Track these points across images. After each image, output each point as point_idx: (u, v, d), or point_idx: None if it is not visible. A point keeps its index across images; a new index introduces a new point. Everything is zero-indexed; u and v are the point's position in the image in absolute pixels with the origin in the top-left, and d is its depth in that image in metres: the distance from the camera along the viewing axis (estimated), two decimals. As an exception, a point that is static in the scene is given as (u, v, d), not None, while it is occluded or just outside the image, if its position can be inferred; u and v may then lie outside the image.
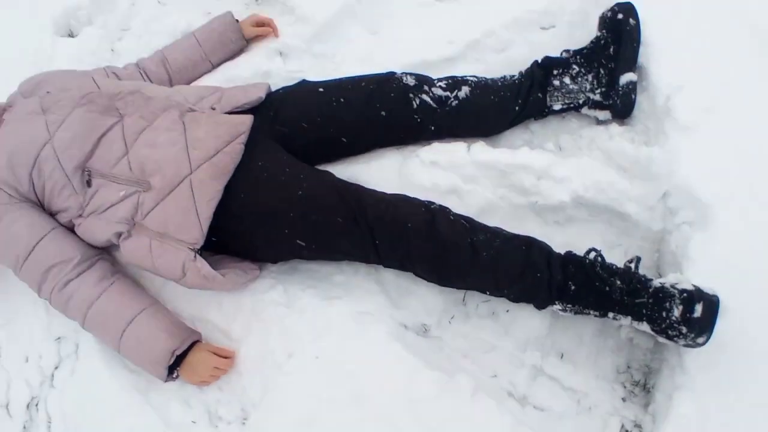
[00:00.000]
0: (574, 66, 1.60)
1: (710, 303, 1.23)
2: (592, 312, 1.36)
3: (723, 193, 1.40)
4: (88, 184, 1.44)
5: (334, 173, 1.53)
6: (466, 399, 1.33)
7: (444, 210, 1.43)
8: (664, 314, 1.26)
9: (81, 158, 1.42)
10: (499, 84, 1.60)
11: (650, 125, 1.58)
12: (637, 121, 1.61)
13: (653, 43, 1.59)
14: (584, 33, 1.71)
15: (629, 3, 1.58)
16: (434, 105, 1.55)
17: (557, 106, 1.61)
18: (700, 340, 1.24)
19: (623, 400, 1.42)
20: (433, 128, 1.58)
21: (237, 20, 1.88)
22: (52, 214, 1.49)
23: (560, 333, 1.49)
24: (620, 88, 1.57)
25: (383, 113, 1.55)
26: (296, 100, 1.58)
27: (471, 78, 1.60)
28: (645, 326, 1.31)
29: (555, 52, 1.66)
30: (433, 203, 1.44)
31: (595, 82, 1.59)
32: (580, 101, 1.60)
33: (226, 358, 1.46)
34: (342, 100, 1.54)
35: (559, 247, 1.42)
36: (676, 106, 1.49)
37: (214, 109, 1.51)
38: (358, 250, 1.43)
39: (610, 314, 1.34)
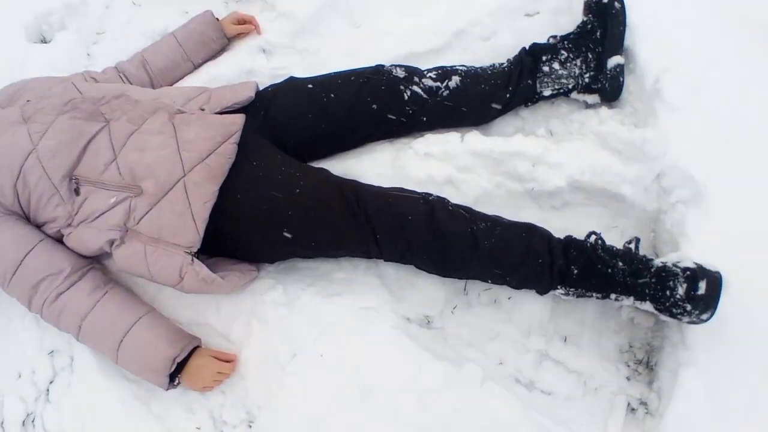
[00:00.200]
0: (563, 51, 1.60)
1: (713, 279, 1.25)
2: (594, 294, 1.36)
3: (715, 170, 1.43)
4: (77, 192, 1.40)
5: (328, 169, 1.51)
6: (474, 388, 1.34)
7: (442, 201, 1.42)
8: (668, 293, 1.28)
9: (68, 166, 1.38)
10: (489, 72, 1.60)
11: (639, 107, 1.60)
12: (626, 103, 1.63)
13: (639, 25, 1.60)
14: (569, 18, 1.72)
15: (613, -14, 1.59)
16: (425, 96, 1.55)
17: (547, 92, 1.61)
18: (705, 316, 1.26)
19: (628, 379, 1.43)
20: (425, 119, 1.58)
21: (217, 19, 1.85)
22: (39, 226, 1.45)
23: (562, 317, 1.49)
24: (608, 72, 1.58)
25: (374, 107, 1.53)
26: (286, 98, 1.55)
27: (460, 67, 1.60)
28: (648, 305, 1.32)
29: (540, 39, 1.67)
30: (431, 194, 1.43)
31: (583, 67, 1.60)
32: (570, 86, 1.61)
33: (227, 361, 1.43)
34: (332, 95, 1.52)
35: (557, 231, 1.43)
36: (664, 87, 1.51)
37: (203, 110, 1.48)
38: (359, 246, 1.41)
39: (613, 296, 1.35)
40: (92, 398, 1.44)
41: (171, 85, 1.80)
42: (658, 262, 1.32)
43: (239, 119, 1.45)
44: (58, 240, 1.45)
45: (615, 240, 1.45)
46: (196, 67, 1.84)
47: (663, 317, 1.33)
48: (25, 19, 2.00)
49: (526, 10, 1.78)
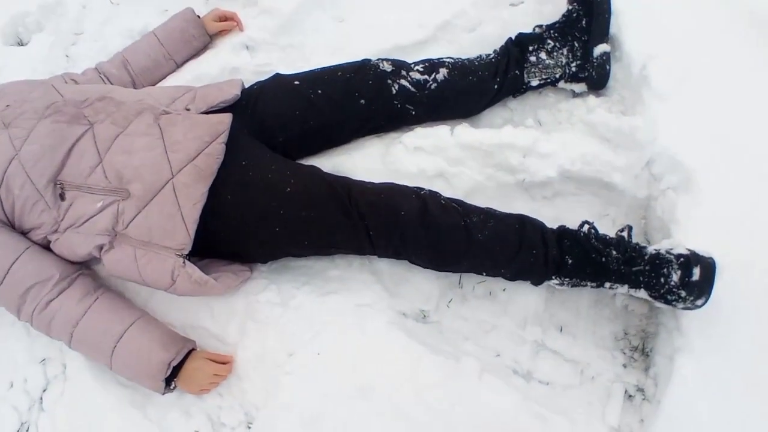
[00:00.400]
0: (549, 41, 1.60)
1: (707, 265, 1.26)
2: (589, 283, 1.37)
3: (704, 156, 1.43)
4: (62, 197, 1.37)
5: (318, 166, 1.50)
6: (473, 381, 1.34)
7: (435, 195, 1.41)
8: (662, 280, 1.28)
9: (52, 171, 1.35)
10: (476, 64, 1.59)
11: (626, 94, 1.61)
12: (613, 91, 1.63)
13: (624, 12, 1.60)
14: (553, 7, 1.71)
15: (598, -26, 1.59)
16: (413, 90, 1.54)
17: (535, 82, 1.61)
18: (699, 302, 1.27)
19: (624, 366, 1.44)
20: (413, 113, 1.57)
21: (198, 16, 1.82)
22: (25, 233, 1.42)
23: (557, 306, 1.50)
24: (594, 60, 1.58)
25: (362, 102, 1.52)
26: (273, 95, 1.53)
27: (447, 60, 1.59)
28: (642, 293, 1.33)
29: (525, 28, 1.66)
30: (423, 189, 1.43)
31: (570, 56, 1.60)
32: (557, 75, 1.61)
33: (223, 363, 1.42)
34: (319, 91, 1.51)
35: (550, 222, 1.43)
36: (652, 74, 1.51)
37: (188, 109, 1.45)
38: (352, 243, 1.40)
39: (607, 284, 1.36)
40: (86, 405, 1.43)
41: (153, 84, 1.77)
42: (651, 249, 1.33)
43: (227, 118, 1.43)
44: (45, 247, 1.43)
45: (606, 228, 1.46)
46: (179, 65, 1.81)
47: (658, 304, 1.34)
48: (0, 22, 1.96)
49: (511, 0, 1.77)
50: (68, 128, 1.39)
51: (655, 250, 1.32)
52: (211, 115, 1.44)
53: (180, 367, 1.38)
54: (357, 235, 1.39)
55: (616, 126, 1.46)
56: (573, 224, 1.41)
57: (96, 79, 1.69)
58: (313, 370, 1.37)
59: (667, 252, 1.30)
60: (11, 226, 1.42)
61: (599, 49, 1.58)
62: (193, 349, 1.42)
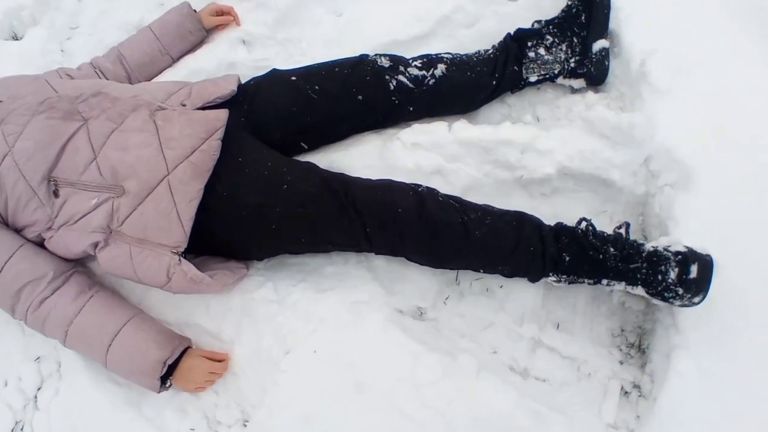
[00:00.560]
0: (548, 36, 1.59)
1: (705, 262, 1.26)
2: (586, 281, 1.37)
3: (703, 152, 1.43)
4: (55, 194, 1.36)
5: (315, 163, 1.49)
6: (470, 379, 1.34)
7: (432, 191, 1.41)
8: (659, 277, 1.28)
9: (45, 168, 1.34)
10: (475, 59, 1.58)
11: (625, 90, 1.60)
12: (612, 87, 1.62)
13: (623, 7, 1.59)
14: (552, 2, 1.69)
15: (597, -31, 1.58)
16: (411, 85, 1.52)
17: (533, 78, 1.60)
18: (697, 299, 1.27)
19: (621, 363, 1.44)
20: (411, 109, 1.56)
21: (195, 10, 1.80)
22: (18, 230, 1.41)
23: (554, 303, 1.50)
24: (593, 56, 1.57)
25: (360, 98, 1.51)
26: (270, 91, 1.52)
27: (446, 55, 1.58)
28: (639, 290, 1.33)
29: (524, 23, 1.65)
30: (420, 185, 1.42)
31: (569, 51, 1.59)
32: (556, 71, 1.60)
33: (219, 361, 1.42)
34: (317, 87, 1.50)
35: (547, 219, 1.42)
36: (651, 70, 1.50)
37: (184, 105, 1.44)
38: (349, 240, 1.40)
39: (604, 281, 1.36)
40: (82, 404, 1.42)
41: (149, 79, 1.76)
42: (649, 246, 1.33)
43: (223, 114, 1.42)
44: (39, 244, 1.42)
45: (604, 225, 1.46)
46: (175, 60, 1.79)
47: (655, 301, 1.34)
48: (-6, 16, 1.94)
49: (510, -5, 1.76)
50: (62, 124, 1.37)
51: (653, 247, 1.32)
52: (207, 111, 1.43)
53: (175, 365, 1.38)
54: (354, 232, 1.38)
55: (614, 123, 1.45)
56: (571, 221, 1.40)
57: (91, 74, 1.67)
58: (309, 368, 1.36)
59: (665, 249, 1.30)
60: (5, 223, 1.41)
61: (598, 44, 1.57)
62: (188, 347, 1.42)
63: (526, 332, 1.46)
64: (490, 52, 1.61)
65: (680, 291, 1.27)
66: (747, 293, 1.33)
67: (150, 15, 1.84)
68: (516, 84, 1.62)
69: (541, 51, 1.58)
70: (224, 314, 1.46)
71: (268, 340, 1.41)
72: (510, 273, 1.41)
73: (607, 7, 1.57)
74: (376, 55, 1.57)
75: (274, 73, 1.58)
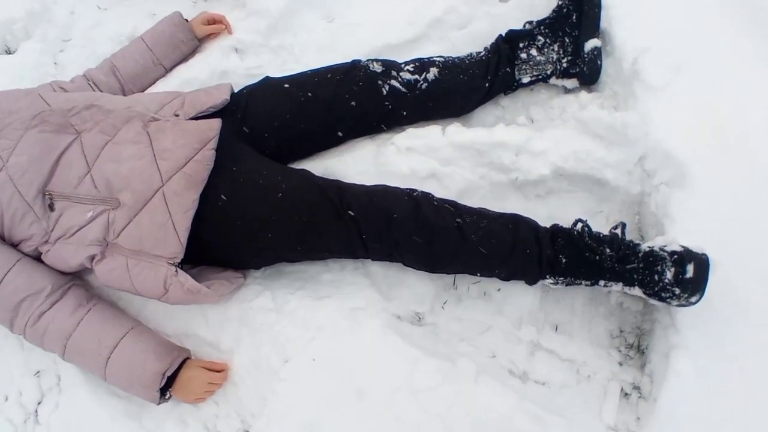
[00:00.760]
0: (539, 37, 1.58)
1: (701, 262, 1.25)
2: (583, 282, 1.36)
3: (697, 150, 1.42)
4: (51, 208, 1.36)
5: (309, 170, 1.49)
6: (469, 383, 1.33)
7: (427, 196, 1.40)
8: (656, 277, 1.28)
9: (40, 182, 1.35)
10: (467, 62, 1.58)
11: (618, 89, 1.59)
12: (605, 86, 1.62)
13: (614, 6, 1.59)
14: (544, 3, 1.69)
15: (587, -32, 1.57)
16: (404, 90, 1.52)
17: (526, 79, 1.59)
18: (694, 299, 1.26)
19: (620, 364, 1.43)
20: (405, 113, 1.55)
21: (186, 20, 1.80)
22: (15, 245, 1.41)
23: (552, 305, 1.49)
24: (586, 55, 1.57)
25: (353, 103, 1.51)
26: (263, 99, 1.52)
27: (438, 59, 1.58)
28: (637, 290, 1.33)
29: (516, 24, 1.65)
30: (415, 190, 1.42)
31: (561, 52, 1.58)
32: (548, 72, 1.59)
33: (218, 371, 1.42)
34: (309, 94, 1.50)
35: (543, 220, 1.42)
36: (643, 68, 1.50)
37: (177, 115, 1.44)
38: (345, 246, 1.40)
39: (601, 282, 1.35)
40: (82, 417, 1.43)
41: (142, 90, 1.76)
42: (645, 246, 1.32)
43: (216, 124, 1.42)
44: (37, 258, 1.42)
45: (600, 225, 1.46)
46: (168, 70, 1.79)
47: (652, 301, 1.33)
48: (-14, 30, 1.94)
49: (501, -4, 1.76)
50: (55, 137, 1.38)
51: (649, 247, 1.32)
52: (200, 121, 1.43)
53: (175, 377, 1.38)
54: (350, 239, 1.38)
55: (608, 122, 1.45)
56: (567, 222, 1.40)
57: (84, 86, 1.67)
58: (308, 376, 1.36)
59: (661, 249, 1.30)
60: (1, 238, 1.41)
61: (590, 44, 1.56)
62: (187, 358, 1.42)
63: (524, 335, 1.46)
64: (482, 54, 1.61)
65: (677, 291, 1.26)
66: (744, 291, 1.32)
67: (142, 25, 1.84)
68: (509, 85, 1.61)
69: (533, 52, 1.58)
70: (222, 324, 1.46)
71: (266, 349, 1.41)
72: (507, 276, 1.41)
73: (598, 6, 1.57)
74: (368, 60, 1.57)
75: (267, 80, 1.58)
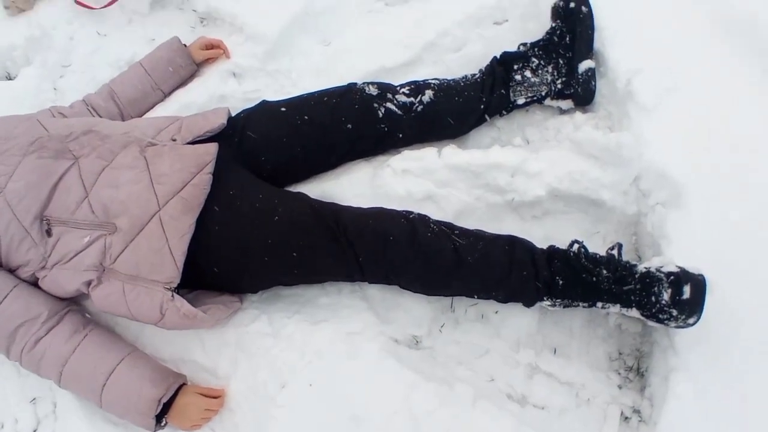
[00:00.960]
0: (533, 59, 1.60)
1: (698, 283, 1.25)
2: (581, 304, 1.36)
3: (692, 170, 1.43)
4: (48, 233, 1.36)
5: (306, 193, 1.50)
6: (467, 407, 1.32)
7: (423, 218, 1.41)
8: (653, 299, 1.27)
9: (37, 208, 1.35)
10: (462, 84, 1.59)
11: (612, 110, 1.60)
12: (599, 106, 1.63)
13: (607, 27, 1.60)
14: (537, 25, 1.71)
15: (580, -10, 1.59)
16: (399, 112, 1.53)
17: (521, 101, 1.60)
18: (691, 320, 1.25)
19: (619, 387, 1.42)
20: (400, 136, 1.56)
21: (185, 45, 1.82)
22: (12, 270, 1.41)
23: (550, 327, 1.49)
24: (580, 76, 1.58)
25: (349, 126, 1.52)
26: (260, 123, 1.53)
27: (433, 81, 1.59)
28: (634, 312, 1.32)
29: (511, 46, 1.66)
30: (412, 212, 1.42)
31: (555, 73, 1.59)
32: (543, 93, 1.60)
33: (215, 397, 1.41)
34: (306, 117, 1.51)
35: (540, 241, 1.42)
36: (637, 89, 1.51)
37: (175, 140, 1.45)
38: (342, 269, 1.40)
39: (599, 304, 1.34)
40: (78, 445, 1.41)
41: (141, 115, 1.77)
42: (641, 267, 1.32)
43: (212, 148, 1.43)
44: (34, 283, 1.42)
45: (597, 246, 1.46)
46: (166, 95, 1.81)
47: (650, 323, 1.32)
48: (-13, 57, 1.96)
49: (495, 19, 1.77)
50: (53, 163, 1.39)
51: (646, 268, 1.31)
52: (197, 146, 1.44)
53: (171, 403, 1.37)
54: (347, 262, 1.38)
55: (602, 143, 1.45)
56: (563, 243, 1.39)
57: (84, 111, 1.68)
58: (305, 402, 1.35)
59: (657, 270, 1.29)
60: (-1, 264, 1.41)
61: (584, 65, 1.57)
62: (183, 384, 1.41)
63: (522, 358, 1.45)
64: (477, 76, 1.62)
65: (674, 312, 1.26)
66: (742, 312, 1.31)
67: (142, 51, 1.86)
68: (504, 107, 1.62)
69: (528, 73, 1.59)
70: (219, 349, 1.45)
71: (263, 374, 1.40)
72: (504, 298, 1.40)
73: (591, 28, 1.59)
74: (364, 83, 1.58)
75: (264, 104, 1.59)
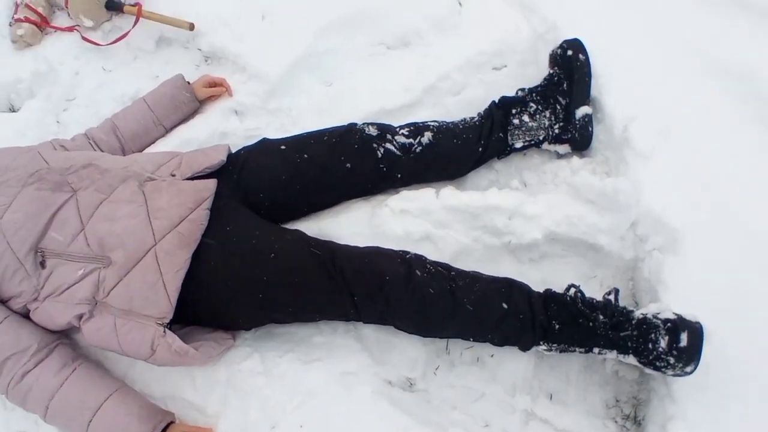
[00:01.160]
0: (531, 104, 1.62)
1: (695, 330, 1.24)
2: (577, 349, 1.34)
3: (689, 216, 1.44)
4: (42, 265, 1.36)
5: (304, 230, 1.50)
6: (461, 453, 1.29)
7: (420, 258, 1.40)
8: (650, 346, 1.26)
9: (33, 239, 1.35)
10: (461, 127, 1.61)
11: (609, 155, 1.62)
12: (596, 152, 1.65)
13: (604, 74, 1.63)
14: (535, 71, 1.75)
15: (577, 39, 1.63)
16: (399, 153, 1.55)
17: (519, 144, 1.62)
18: (689, 369, 1.24)
19: (617, 435, 1.40)
20: (399, 176, 1.57)
21: (188, 82, 1.85)
22: (4, 302, 1.40)
23: (547, 372, 1.47)
24: (577, 122, 1.60)
25: (348, 165, 1.53)
26: (259, 160, 1.54)
27: (432, 123, 1.61)
28: (631, 359, 1.31)
29: (509, 91, 1.69)
30: (409, 252, 1.42)
31: (552, 118, 1.62)
32: (540, 137, 1.62)
33: (203, 436, 1.38)
34: (305, 155, 1.52)
35: (537, 284, 1.41)
36: (633, 135, 1.53)
37: (174, 175, 1.45)
38: (337, 308, 1.38)
39: (596, 349, 1.33)
40: (61, 483, 1.37)
41: (142, 150, 1.78)
42: (638, 313, 1.31)
43: (211, 184, 1.44)
44: (25, 315, 1.40)
45: (594, 290, 1.45)
46: (168, 131, 1.83)
47: (648, 370, 1.31)
48: (-9, 89, 1.99)
49: (494, 64, 1.81)
50: (51, 195, 1.39)
51: (642, 314, 1.30)
52: (196, 181, 1.44)
53: (158, 442, 1.33)
54: (342, 301, 1.37)
55: (599, 188, 1.46)
56: (561, 286, 1.39)
57: (85, 144, 1.70)
58: (296, 443, 1.32)
59: (654, 316, 1.28)
60: (-10, 295, 1.40)
61: (581, 111, 1.60)
62: (171, 422, 1.38)
63: (518, 404, 1.42)
64: (475, 119, 1.64)
65: (671, 360, 1.24)
66: (741, 360, 1.30)
67: (146, 87, 1.88)
68: (502, 150, 1.64)
69: (526, 118, 1.61)
70: (210, 387, 1.43)
71: (254, 413, 1.37)
72: (500, 341, 1.39)
73: (588, 75, 1.62)
74: (364, 123, 1.60)
75: (264, 142, 1.61)
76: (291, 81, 1.87)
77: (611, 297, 1.34)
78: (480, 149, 1.60)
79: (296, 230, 1.49)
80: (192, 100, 1.84)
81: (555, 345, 1.34)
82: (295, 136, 1.61)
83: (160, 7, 1.99)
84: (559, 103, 1.62)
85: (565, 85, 1.62)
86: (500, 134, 1.61)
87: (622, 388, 1.44)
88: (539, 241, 1.49)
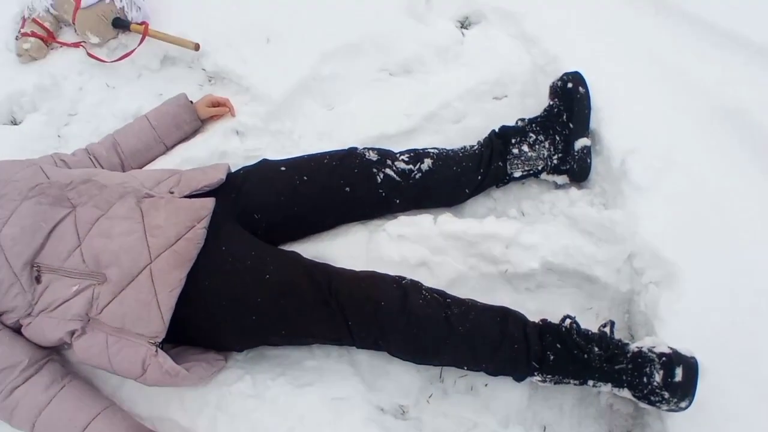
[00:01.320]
0: (531, 134, 1.64)
1: (690, 365, 1.23)
2: (572, 381, 1.33)
3: (686, 250, 1.44)
4: (37, 280, 1.35)
5: (300, 252, 1.49)
6: (452, 485, 1.27)
7: (416, 285, 1.40)
8: (645, 380, 1.25)
9: (30, 254, 1.34)
10: (460, 155, 1.62)
11: (607, 187, 1.63)
12: (594, 183, 1.66)
13: (603, 107, 1.65)
14: (536, 102, 1.77)
15: (578, 72, 1.65)
16: (398, 179, 1.55)
17: (517, 173, 1.63)
18: (683, 404, 1.23)
19: (611, 471, 1.38)
20: (398, 201, 1.58)
21: (191, 101, 1.86)
22: (-3, 316, 1.39)
23: (541, 404, 1.45)
24: (576, 153, 1.61)
25: (347, 189, 1.53)
26: (258, 180, 1.55)
27: (432, 150, 1.62)
28: (626, 392, 1.30)
29: (509, 120, 1.71)
30: (405, 278, 1.41)
31: (551, 149, 1.63)
32: (539, 167, 1.63)
33: (191, 459, 1.36)
34: (305, 178, 1.52)
35: (532, 314, 1.41)
36: (631, 168, 1.54)
37: (172, 193, 1.45)
38: (331, 333, 1.37)
39: (590, 382, 1.32)
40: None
41: (142, 167, 1.78)
42: (633, 347, 1.31)
43: (209, 203, 1.44)
44: (17, 330, 1.39)
45: (590, 322, 1.44)
46: (169, 149, 1.83)
47: (642, 404, 1.30)
48: (-6, 102, 2.00)
49: (495, 94, 1.83)
50: (50, 210, 1.38)
51: (638, 348, 1.30)
52: (194, 200, 1.44)
53: (144, 463, 1.31)
54: (336, 325, 1.36)
55: (597, 219, 1.47)
56: (556, 317, 1.38)
57: (85, 159, 1.70)
58: (284, 469, 1.30)
59: (649, 350, 1.28)
60: (-17, 309, 1.38)
61: (580, 143, 1.61)
62: (159, 444, 1.36)
63: (512, 435, 1.41)
64: (475, 147, 1.65)
65: (666, 395, 1.23)
66: (736, 396, 1.29)
67: (149, 105, 1.89)
68: (501, 179, 1.65)
69: (525, 148, 1.62)
70: (199, 409, 1.40)
71: (243, 437, 1.35)
72: (494, 371, 1.38)
73: (588, 107, 1.64)
74: (364, 148, 1.61)
75: (264, 162, 1.61)
76: (293, 103, 1.88)
77: (607, 329, 1.34)
78: (479, 177, 1.61)
79: (293, 252, 1.49)
80: (194, 119, 1.85)
81: (549, 376, 1.33)
82: (295, 157, 1.62)
83: (167, 26, 2.01)
84: (559, 134, 1.63)
85: (564, 116, 1.64)
86: (499, 163, 1.62)
87: (617, 421, 1.43)
88: (536, 270, 1.49)
